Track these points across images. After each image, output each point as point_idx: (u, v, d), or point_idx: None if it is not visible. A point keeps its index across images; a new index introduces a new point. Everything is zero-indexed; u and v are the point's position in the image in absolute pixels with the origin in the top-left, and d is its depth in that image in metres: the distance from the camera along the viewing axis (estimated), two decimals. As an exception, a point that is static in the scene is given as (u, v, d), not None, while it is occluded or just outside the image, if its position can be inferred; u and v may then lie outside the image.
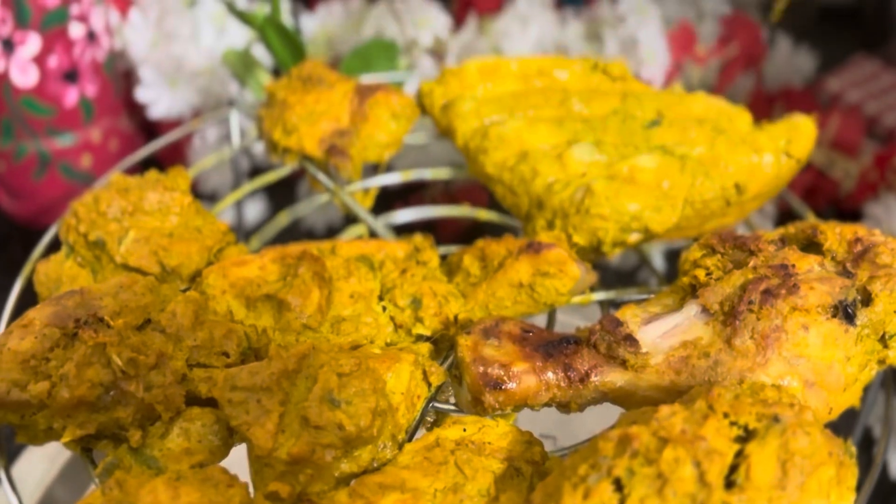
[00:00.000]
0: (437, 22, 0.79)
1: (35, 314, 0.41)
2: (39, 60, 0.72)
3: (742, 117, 0.53)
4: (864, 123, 0.88)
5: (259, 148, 0.77)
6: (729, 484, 0.34)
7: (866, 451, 0.66)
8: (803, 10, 1.07)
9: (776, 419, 0.36)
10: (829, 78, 0.94)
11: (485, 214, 0.56)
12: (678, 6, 0.90)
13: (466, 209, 0.57)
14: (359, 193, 0.55)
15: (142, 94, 0.77)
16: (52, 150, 0.76)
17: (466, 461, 0.39)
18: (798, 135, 0.52)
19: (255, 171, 0.84)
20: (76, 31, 0.72)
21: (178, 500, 0.37)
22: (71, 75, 0.74)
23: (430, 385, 0.43)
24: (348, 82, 0.56)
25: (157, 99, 0.77)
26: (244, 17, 0.63)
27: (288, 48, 0.65)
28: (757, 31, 0.89)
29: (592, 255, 0.50)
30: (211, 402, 0.41)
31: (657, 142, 0.51)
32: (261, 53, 0.75)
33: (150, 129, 0.83)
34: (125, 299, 0.42)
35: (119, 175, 0.49)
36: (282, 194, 0.83)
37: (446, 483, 0.38)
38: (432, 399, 0.43)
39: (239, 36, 0.77)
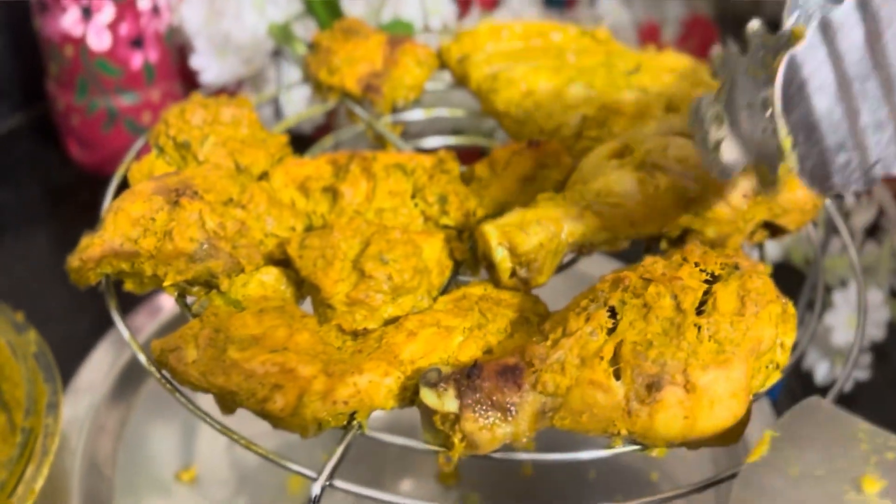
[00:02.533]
0: (445, 10, 0.84)
1: (142, 187, 0.45)
2: (112, 27, 0.76)
3: (703, 69, 0.58)
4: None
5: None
6: (699, 312, 0.39)
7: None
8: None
9: (736, 267, 0.41)
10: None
11: (494, 143, 0.61)
12: (645, 9, 0.95)
13: (479, 138, 0.62)
14: (389, 125, 0.60)
15: (195, 62, 0.81)
16: (119, 107, 0.80)
17: (488, 309, 0.44)
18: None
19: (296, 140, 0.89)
20: (143, 3, 0.77)
21: (262, 323, 0.41)
22: (138, 42, 0.78)
23: (455, 260, 0.48)
24: (382, 34, 0.60)
25: (208, 67, 0.81)
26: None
27: (330, 13, 0.70)
28: (711, 29, 0.95)
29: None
30: (283, 265, 0.46)
31: (637, 84, 0.56)
32: (297, 29, 0.80)
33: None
34: (213, 180, 0.46)
35: (197, 94, 0.53)
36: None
37: (472, 323, 0.43)
38: (457, 272, 0.48)
39: (276, 16, 0.82)
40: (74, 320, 0.71)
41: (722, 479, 0.39)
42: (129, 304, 0.67)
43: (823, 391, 0.70)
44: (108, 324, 0.68)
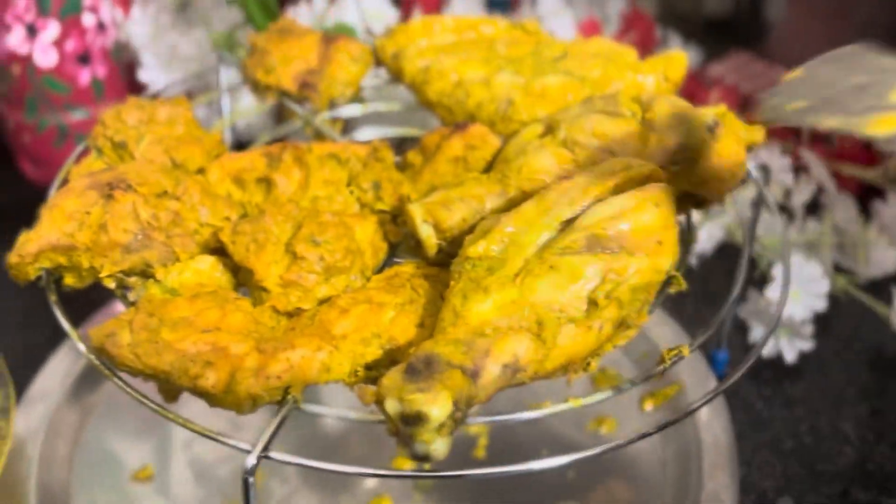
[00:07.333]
0: (387, 15, 0.86)
1: (76, 183, 0.46)
2: (58, 44, 0.77)
3: (630, 52, 0.60)
4: (740, 99, 0.96)
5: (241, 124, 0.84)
6: None
7: (742, 334, 0.73)
8: (690, 19, 1.17)
9: None
10: (712, 65, 1.02)
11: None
12: (587, 8, 0.97)
13: (414, 130, 0.63)
14: (328, 122, 0.61)
15: (144, 76, 0.82)
16: (69, 123, 0.81)
17: (419, 285, 0.45)
18: (673, 63, 0.59)
19: (239, 145, 0.90)
20: (88, 20, 0.78)
21: (195, 306, 0.42)
22: (84, 58, 0.79)
23: (390, 243, 0.49)
24: (316, 33, 0.62)
25: (157, 80, 0.83)
26: (231, -11, 0.69)
27: (266, 14, 0.71)
28: (651, 24, 0.97)
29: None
30: (219, 254, 0.47)
31: (563, 69, 0.58)
32: (241, 37, 0.81)
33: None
34: (146, 174, 0.47)
35: (133, 97, 0.54)
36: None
37: (404, 299, 0.44)
38: (391, 254, 0.49)
39: (221, 26, 0.84)
40: (29, 333, 0.71)
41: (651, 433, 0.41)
42: (87, 310, 0.67)
43: (768, 364, 0.72)
44: (63, 336, 0.69)
